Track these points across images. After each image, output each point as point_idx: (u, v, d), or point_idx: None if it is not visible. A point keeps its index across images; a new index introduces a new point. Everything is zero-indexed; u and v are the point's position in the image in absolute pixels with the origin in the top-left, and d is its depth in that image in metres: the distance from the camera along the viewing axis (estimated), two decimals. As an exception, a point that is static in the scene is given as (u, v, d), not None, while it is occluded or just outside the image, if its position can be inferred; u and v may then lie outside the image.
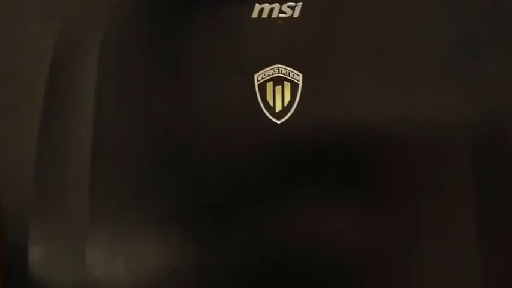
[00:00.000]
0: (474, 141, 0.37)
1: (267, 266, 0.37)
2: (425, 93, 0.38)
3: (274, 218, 0.37)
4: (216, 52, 0.38)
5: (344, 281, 0.37)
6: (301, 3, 0.37)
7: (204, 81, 0.38)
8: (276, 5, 0.37)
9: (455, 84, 0.37)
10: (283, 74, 0.38)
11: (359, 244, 0.37)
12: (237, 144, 0.38)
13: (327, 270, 0.37)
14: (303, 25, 0.37)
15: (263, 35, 0.38)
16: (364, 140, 0.37)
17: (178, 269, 0.37)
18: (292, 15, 0.37)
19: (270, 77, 0.38)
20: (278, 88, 0.38)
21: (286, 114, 0.38)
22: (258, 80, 0.38)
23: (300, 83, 0.37)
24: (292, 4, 0.37)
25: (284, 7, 0.37)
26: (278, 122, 0.38)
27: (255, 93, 0.37)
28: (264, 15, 0.37)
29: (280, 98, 0.38)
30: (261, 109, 0.38)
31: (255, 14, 0.37)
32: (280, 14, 0.37)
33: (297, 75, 0.38)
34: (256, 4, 0.37)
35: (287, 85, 0.38)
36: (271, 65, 0.38)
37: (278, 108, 0.38)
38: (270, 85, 0.38)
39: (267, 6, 0.37)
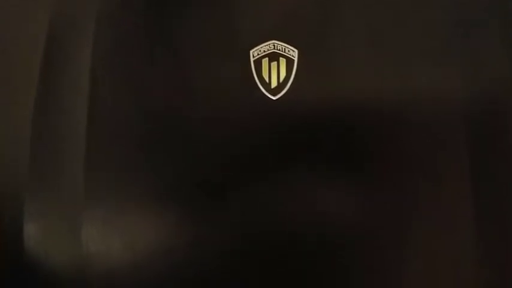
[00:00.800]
0: (470, 120, 0.37)
1: (263, 243, 0.37)
2: (421, 71, 0.38)
3: (270, 194, 0.37)
4: (211, 28, 0.38)
5: (340, 257, 0.37)
6: (296, -21, 0.37)
7: (199, 57, 0.38)
8: (272, -19, 0.37)
9: (451, 63, 0.38)
10: (279, 50, 0.38)
11: (355, 221, 0.37)
12: (233, 120, 0.38)
13: (323, 247, 0.37)
14: (298, 1, 0.37)
15: (259, 11, 0.38)
16: (360, 116, 0.38)
17: (174, 245, 0.37)
18: (287, -10, 0.37)
19: (265, 53, 0.38)
20: (274, 64, 0.38)
21: (281, 90, 0.38)
22: (253, 56, 0.38)
23: (296, 59, 0.38)
24: (288, -20, 0.37)
25: (280, -17, 0.37)
26: (273, 98, 0.38)
27: (251, 69, 0.38)
28: (260, -9, 0.37)
29: (275, 74, 0.38)
30: (257, 85, 0.38)
31: (250, -10, 0.37)
32: (275, -10, 0.37)
33: (293, 51, 0.38)
34: (252, -20, 0.37)
35: (282, 61, 0.38)
36: (266, 41, 0.38)
37: (273, 84, 0.38)
38: (265, 61, 0.38)
39: (262, -18, 0.37)
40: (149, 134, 0.38)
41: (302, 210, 0.37)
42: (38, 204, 0.38)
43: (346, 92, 0.38)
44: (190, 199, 0.37)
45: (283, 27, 0.38)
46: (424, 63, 0.38)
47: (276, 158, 0.37)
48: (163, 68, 0.38)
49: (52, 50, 0.39)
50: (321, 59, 0.38)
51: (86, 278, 0.37)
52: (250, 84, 0.38)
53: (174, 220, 0.37)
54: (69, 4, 0.39)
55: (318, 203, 0.37)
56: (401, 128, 0.37)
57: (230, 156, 0.38)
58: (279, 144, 0.38)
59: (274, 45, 0.38)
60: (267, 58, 0.38)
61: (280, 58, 0.38)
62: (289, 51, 0.38)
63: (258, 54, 0.38)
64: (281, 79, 0.38)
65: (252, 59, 0.38)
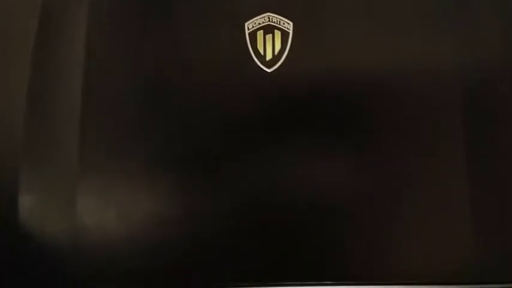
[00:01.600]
0: (463, 91, 0.38)
1: (256, 212, 0.37)
2: (416, 42, 0.38)
3: (264, 164, 0.37)
4: (206, 0, 0.38)
5: (332, 226, 0.37)
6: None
7: (195, 29, 0.38)
8: (267, -47, 0.37)
9: (446, 34, 0.38)
10: (274, 22, 0.38)
11: (349, 191, 0.37)
12: (227, 91, 0.38)
13: (318, 217, 0.37)
14: (293, -27, 0.38)
15: (254, -17, 0.38)
16: (354, 88, 0.38)
17: (168, 216, 0.37)
18: (282, -37, 0.37)
19: (260, 25, 0.38)
20: (269, 37, 0.38)
21: (276, 62, 0.38)
22: (248, 29, 0.38)
23: (291, 32, 0.38)
24: (283, -48, 0.37)
25: (274, -45, 0.37)
26: (268, 70, 0.38)
27: (246, 41, 0.38)
28: (255, -37, 0.37)
29: (270, 47, 0.38)
30: (252, 57, 0.38)
31: (245, -38, 0.37)
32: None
33: (288, 23, 0.38)
34: (247, -48, 0.37)
35: (277, 33, 0.38)
36: (261, 13, 0.38)
37: (268, 56, 0.38)
38: (260, 33, 0.38)
39: (257, -45, 0.37)
40: (144, 105, 0.38)
41: (296, 180, 0.37)
42: (32, 176, 0.38)
43: (340, 65, 0.38)
44: (185, 170, 0.37)
45: (278, 0, 0.38)
46: (418, 36, 0.38)
47: (270, 129, 0.38)
48: (158, 39, 0.38)
49: (47, 20, 0.39)
50: (316, 32, 0.38)
51: (80, 249, 0.37)
52: (245, 56, 0.38)
53: (168, 191, 0.37)
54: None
55: (312, 173, 0.37)
56: (395, 100, 0.38)
57: (224, 127, 0.38)
58: (273, 116, 0.38)
59: (269, 18, 0.38)
60: (262, 30, 0.38)
61: (275, 30, 0.38)
62: (284, 23, 0.38)
63: (253, 27, 0.38)
64: (276, 51, 0.38)
65: (247, 32, 0.38)
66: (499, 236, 0.37)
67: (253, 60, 0.38)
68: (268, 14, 0.38)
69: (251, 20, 0.38)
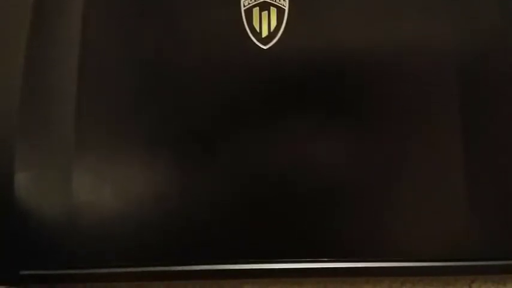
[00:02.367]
0: (460, 69, 0.38)
1: (253, 191, 0.37)
2: (412, 19, 0.38)
3: (260, 143, 0.37)
4: (202, -23, 0.38)
5: (330, 204, 0.37)
6: None
7: (190, 7, 0.38)
8: None
9: (442, 11, 0.38)
10: (270, -1, 0.38)
11: (346, 168, 0.37)
12: (223, 69, 0.38)
13: (314, 195, 0.37)
14: (289, -50, 0.37)
15: (249, -40, 0.38)
16: (350, 65, 0.38)
17: (164, 194, 0.37)
18: None
19: (256, 2, 0.38)
20: (264, 13, 0.38)
21: (272, 39, 0.38)
22: (244, 6, 0.38)
23: (286, 9, 0.38)
24: None
25: None
26: (264, 47, 0.38)
27: (241, 18, 0.38)
28: None
29: (266, 24, 0.38)
30: (247, 34, 0.38)
31: None
32: None
33: (283, 0, 0.38)
34: None
35: (273, 10, 0.38)
36: (257, -10, 0.38)
37: (264, 33, 0.38)
38: (256, 10, 0.38)
39: None
40: (139, 84, 0.38)
41: (291, 158, 0.37)
42: (28, 154, 0.37)
43: (336, 42, 0.38)
44: (180, 147, 0.37)
45: (274, -23, 0.38)
46: (415, 13, 0.38)
47: (267, 107, 0.38)
48: (154, 17, 0.38)
49: (42, -1, 0.39)
50: (312, 8, 0.38)
51: (76, 226, 0.37)
52: (241, 33, 0.38)
53: (163, 168, 0.37)
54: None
55: (308, 151, 0.37)
56: (392, 77, 0.38)
57: (220, 105, 0.38)
58: (269, 93, 0.38)
59: (265, -5, 0.38)
60: (257, 7, 0.38)
61: (271, 7, 0.38)
62: (279, 0, 0.38)
63: (249, 4, 0.38)
64: (272, 28, 0.38)
65: (242, 8, 0.38)
66: (494, 212, 0.37)
67: (249, 37, 0.38)
68: (264, -10, 0.38)
69: (247, -3, 0.38)
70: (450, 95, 0.37)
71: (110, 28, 0.39)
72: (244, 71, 0.38)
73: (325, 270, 0.37)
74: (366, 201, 0.37)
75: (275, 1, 0.38)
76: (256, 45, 0.38)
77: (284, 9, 0.38)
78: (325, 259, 0.37)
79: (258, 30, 0.38)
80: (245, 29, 0.38)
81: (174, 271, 0.37)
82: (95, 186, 0.37)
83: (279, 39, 0.38)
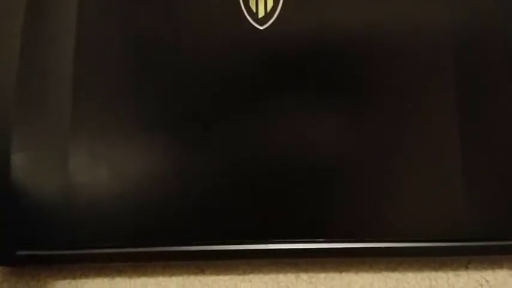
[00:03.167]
0: (456, 50, 0.38)
1: (249, 171, 0.37)
2: (408, 1, 0.38)
3: (256, 123, 0.37)
4: (199, -42, 0.38)
5: (326, 184, 0.37)
6: None
7: (187, -13, 0.38)
8: None
9: None
10: (266, -21, 0.38)
11: (342, 149, 0.37)
12: (220, 50, 0.38)
13: (309, 175, 0.37)
14: None
15: None
16: (347, 45, 0.38)
17: (161, 175, 0.37)
18: None
19: (253, -18, 0.38)
20: (261, -6, 0.38)
21: (268, 20, 0.38)
22: (240, -14, 0.38)
23: (283, -11, 0.38)
24: None
25: None
26: (261, 28, 0.38)
27: (238, -1, 0.38)
28: None
29: (263, 4, 0.38)
30: (244, 15, 0.38)
31: None
32: None
33: (280, -19, 0.38)
34: None
35: (270, -9, 0.38)
36: (253, -30, 0.38)
37: (261, 14, 0.38)
38: (252, -9, 0.38)
39: None
40: (136, 65, 0.38)
41: (288, 137, 0.37)
42: (25, 134, 0.37)
43: (332, 22, 0.38)
44: (177, 128, 0.37)
45: (271, -43, 0.38)
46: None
47: (264, 88, 0.38)
48: (150, -2, 0.38)
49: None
50: (308, -11, 0.38)
51: (73, 208, 0.37)
52: (237, 14, 0.38)
53: (160, 149, 0.37)
54: None
55: (304, 130, 0.37)
56: (387, 57, 0.38)
57: (216, 85, 0.38)
58: (265, 73, 0.38)
59: (261, -25, 0.38)
60: (254, -12, 0.38)
61: (268, -12, 0.38)
62: (276, -19, 0.38)
63: (246, -16, 0.38)
64: (268, 9, 0.38)
65: (239, -11, 0.38)
66: (491, 193, 0.37)
67: (246, 17, 0.38)
68: (260, -29, 0.38)
69: (243, -23, 0.38)
70: (447, 75, 0.37)
71: (107, 8, 0.39)
72: (240, 51, 0.38)
73: (322, 251, 0.37)
74: (363, 181, 0.37)
75: (272, -19, 0.38)
76: (253, 25, 0.38)
77: (281, -10, 0.38)
78: (322, 240, 0.37)
79: (254, 10, 0.38)
80: (242, 10, 0.38)
81: (171, 251, 0.37)
82: (91, 166, 0.37)
83: (275, 20, 0.38)
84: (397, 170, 0.37)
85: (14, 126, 0.38)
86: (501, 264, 0.38)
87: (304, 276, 0.39)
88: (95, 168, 0.37)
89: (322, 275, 0.39)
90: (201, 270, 0.39)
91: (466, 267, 0.39)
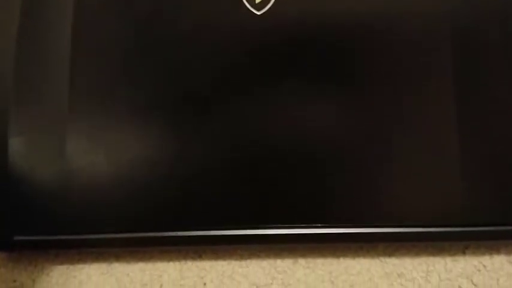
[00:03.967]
0: (453, 34, 0.38)
1: (247, 155, 0.37)
2: None
3: (254, 107, 0.37)
4: None
5: (324, 169, 0.37)
6: None
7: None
8: None
9: None
10: (263, -36, 0.38)
11: (340, 134, 0.37)
12: (217, 34, 0.38)
13: (307, 160, 0.37)
14: None
15: None
16: (344, 30, 0.38)
17: (158, 159, 0.37)
18: None
19: (250, -33, 0.38)
20: (258, -21, 0.38)
21: (266, 5, 0.38)
22: (238, -29, 0.38)
23: (280, -26, 0.38)
24: None
25: None
26: (258, 13, 0.38)
27: (236, -16, 0.38)
28: None
29: (260, -11, 0.38)
30: (241, 0, 0.38)
31: None
32: None
33: (277, -34, 0.38)
34: None
35: (267, -24, 0.38)
36: (251, -45, 0.38)
37: (258, -1, 0.38)
38: (250, -24, 0.38)
39: None
40: (134, 49, 0.38)
41: (285, 122, 0.37)
42: (22, 119, 0.38)
43: (329, 7, 0.38)
44: (175, 112, 0.37)
45: None
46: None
47: (260, 72, 0.38)
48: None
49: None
50: (306, -26, 0.38)
51: (70, 193, 0.37)
52: (234, -1, 0.38)
53: (157, 134, 0.37)
54: None
55: (302, 115, 0.37)
56: (385, 42, 0.38)
57: (214, 70, 0.38)
58: (262, 58, 0.38)
59: (258, -40, 0.38)
60: (251, -27, 0.38)
61: (265, -27, 0.38)
62: (273, -34, 0.38)
63: (243, -31, 0.38)
64: (265, -6, 0.38)
65: (236, -26, 0.38)
66: (488, 179, 0.37)
67: (243, 2, 0.38)
68: (258, -44, 0.38)
69: (241, -38, 0.38)
70: (443, 58, 0.37)
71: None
72: (237, 36, 0.38)
73: (319, 236, 0.37)
74: (359, 167, 0.37)
75: (269, -34, 0.38)
76: (250, 10, 0.38)
77: (278, -25, 0.38)
78: (319, 225, 0.37)
79: (251, -5, 0.38)
80: (239, -5, 0.38)
81: (168, 237, 0.37)
82: (89, 151, 0.37)
83: (272, 5, 0.38)
84: (394, 156, 0.37)
85: (12, 111, 0.38)
86: (498, 249, 0.38)
87: (301, 261, 0.39)
88: (92, 153, 0.37)
89: (319, 260, 0.39)
90: (199, 256, 0.39)
91: (464, 253, 0.39)
